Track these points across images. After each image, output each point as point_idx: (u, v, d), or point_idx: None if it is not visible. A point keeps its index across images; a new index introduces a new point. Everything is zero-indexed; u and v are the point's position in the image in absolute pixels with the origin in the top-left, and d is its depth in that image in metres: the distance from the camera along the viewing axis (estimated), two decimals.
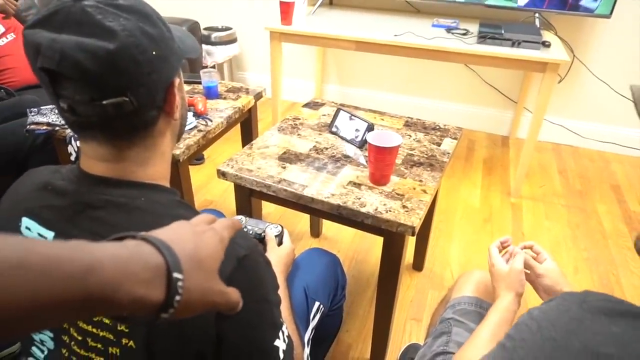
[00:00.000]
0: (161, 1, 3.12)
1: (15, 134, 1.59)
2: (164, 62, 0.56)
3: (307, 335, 0.94)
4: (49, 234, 0.58)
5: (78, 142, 1.47)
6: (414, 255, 1.76)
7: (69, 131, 1.47)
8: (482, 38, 2.03)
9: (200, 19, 2.87)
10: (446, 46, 2.01)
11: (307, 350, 0.91)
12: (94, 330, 0.58)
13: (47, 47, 0.49)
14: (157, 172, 0.62)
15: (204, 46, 2.89)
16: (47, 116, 1.50)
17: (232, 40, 2.97)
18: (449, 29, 2.22)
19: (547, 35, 2.16)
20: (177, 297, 0.38)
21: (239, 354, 0.56)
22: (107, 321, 0.57)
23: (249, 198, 1.28)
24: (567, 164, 2.55)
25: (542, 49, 1.98)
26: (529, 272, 0.90)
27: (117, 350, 0.57)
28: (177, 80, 0.60)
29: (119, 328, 0.56)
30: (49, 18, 0.50)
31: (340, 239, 1.91)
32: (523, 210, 2.15)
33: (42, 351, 0.65)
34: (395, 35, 2.09)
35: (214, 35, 2.89)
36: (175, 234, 0.44)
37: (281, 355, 0.59)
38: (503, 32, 2.02)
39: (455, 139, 1.42)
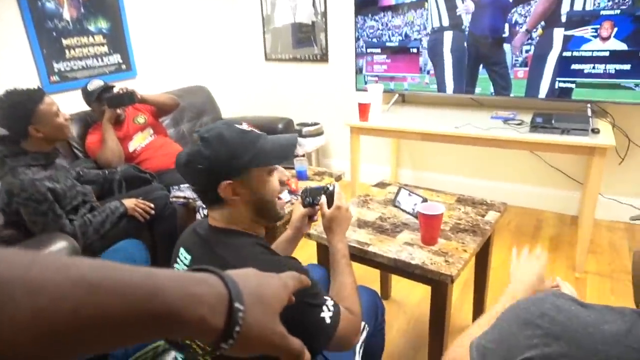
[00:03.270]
0: (263, 104, 3.87)
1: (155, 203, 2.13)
2: (212, 170, 0.96)
3: (358, 347, 1.24)
4: (189, 257, 1.01)
5: (204, 212, 1.97)
6: (472, 316, 1.96)
7: (198, 203, 1.99)
8: (534, 127, 2.32)
9: (294, 116, 3.49)
10: (500, 135, 2.33)
11: (357, 358, 1.22)
12: None
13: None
14: (245, 225, 1.02)
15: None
16: (184, 192, 2.05)
17: (319, 133, 3.54)
18: (505, 120, 2.55)
19: (599, 123, 2.39)
20: (237, 328, 0.41)
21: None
22: None
23: (327, 254, 1.65)
24: None
25: (591, 135, 2.22)
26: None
27: None
28: (234, 181, 0.97)
29: None
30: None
31: (407, 301, 2.16)
32: (587, 284, 2.25)
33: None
34: (456, 127, 2.46)
35: (305, 129, 3.47)
36: (242, 273, 0.47)
37: (327, 321, 0.91)
38: (553, 121, 2.30)
39: (498, 212, 1.70)
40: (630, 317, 0.64)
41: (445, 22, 2.71)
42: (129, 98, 2.46)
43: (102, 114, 2.46)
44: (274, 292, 0.49)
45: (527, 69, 2.58)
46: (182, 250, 1.04)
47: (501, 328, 0.73)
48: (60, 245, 1.63)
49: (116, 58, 2.99)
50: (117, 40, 2.97)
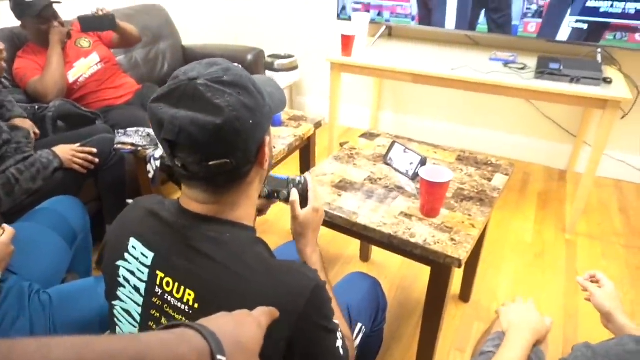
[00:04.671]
0: (230, 30, 3.39)
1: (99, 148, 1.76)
2: (259, 127, 0.67)
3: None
4: (150, 254, 0.71)
5: (157, 162, 1.64)
6: (461, 285, 1.78)
7: (149, 151, 1.65)
8: (540, 74, 2.05)
9: (265, 47, 3.06)
10: (503, 81, 2.05)
11: None
12: None
13: (169, 122, 0.61)
14: (243, 213, 0.73)
15: (267, 72, 3.08)
16: (132, 137, 1.69)
17: (294, 68, 3.15)
18: (506, 63, 2.25)
19: (609, 71, 2.14)
20: None
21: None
22: None
23: None
24: (629, 202, 2.46)
25: (603, 85, 1.97)
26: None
27: None
28: (267, 139, 0.71)
29: None
30: (169, 94, 0.63)
31: (388, 265, 1.97)
32: (578, 247, 2.11)
33: None
34: (452, 69, 2.15)
35: (277, 62, 3.07)
36: (216, 320, 0.49)
37: (341, 352, 0.71)
38: (562, 67, 2.03)
39: (506, 174, 1.46)
40: None
41: None
42: (109, 23, 2.08)
43: (38, 32, 2.00)
44: (251, 335, 0.50)
45: (540, 20, 2.25)
46: (134, 242, 0.73)
47: None
48: None
49: None
50: None
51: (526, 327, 0.94)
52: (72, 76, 2.11)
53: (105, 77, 2.24)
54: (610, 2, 2.09)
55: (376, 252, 2.01)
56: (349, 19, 2.64)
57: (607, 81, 1.99)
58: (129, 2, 2.80)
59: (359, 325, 1.05)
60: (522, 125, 2.79)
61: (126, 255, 0.73)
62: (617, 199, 2.49)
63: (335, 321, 0.72)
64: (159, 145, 1.65)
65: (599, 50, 2.22)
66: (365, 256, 1.98)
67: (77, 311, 1.09)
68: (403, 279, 1.90)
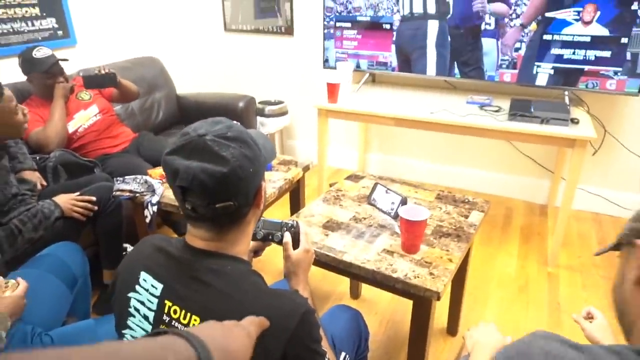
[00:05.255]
0: (222, 80, 3.56)
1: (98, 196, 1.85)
2: (257, 174, 0.79)
3: None
4: (159, 286, 0.79)
5: (154, 208, 1.73)
6: (448, 319, 1.84)
7: (146, 197, 1.74)
8: (513, 115, 2.20)
9: (256, 94, 3.22)
10: (478, 123, 2.19)
11: None
12: None
13: (183, 171, 0.72)
14: (241, 248, 0.83)
15: (258, 118, 3.22)
16: (129, 184, 1.78)
17: (283, 113, 3.30)
18: (482, 106, 2.41)
19: (577, 112, 2.30)
20: None
21: None
22: None
23: None
24: (607, 234, 2.57)
25: (571, 125, 2.12)
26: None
27: None
28: (263, 184, 0.83)
29: None
30: (182, 148, 0.74)
31: (378, 300, 2.03)
32: (560, 280, 2.19)
33: None
34: (431, 113, 2.30)
35: (268, 108, 3.22)
36: (206, 328, 0.49)
37: None
38: (532, 109, 2.18)
39: (482, 211, 1.56)
40: (627, 357, 0.56)
41: (431, 9, 2.50)
42: (110, 80, 2.22)
43: (44, 87, 2.13)
44: (240, 344, 0.50)
45: (516, 71, 2.44)
46: (144, 275, 0.81)
47: None
48: None
49: (50, 22, 2.60)
50: (51, 1, 2.58)
51: (487, 345, 1.01)
52: (71, 127, 2.22)
53: (103, 128, 2.35)
54: (572, 50, 2.28)
55: (366, 288, 2.07)
56: (335, 67, 2.82)
57: (574, 122, 2.14)
58: (125, 55, 2.97)
59: (343, 354, 1.11)
60: (502, 163, 2.93)
61: (137, 287, 0.81)
62: (596, 232, 2.60)
63: (324, 348, 0.79)
64: (155, 192, 1.74)
65: (566, 92, 2.39)
66: (355, 293, 2.04)
67: None
68: (392, 313, 1.96)
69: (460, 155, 3.02)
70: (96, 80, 2.20)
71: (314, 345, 0.77)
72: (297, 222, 1.03)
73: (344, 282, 2.10)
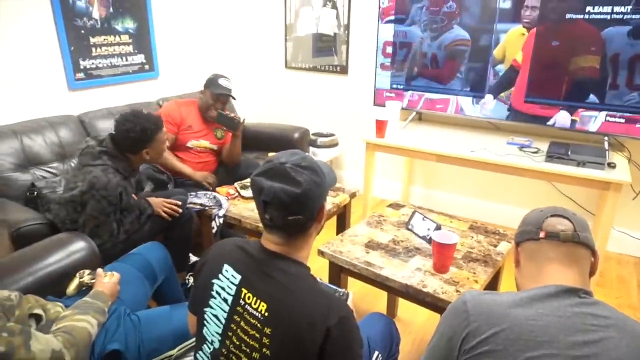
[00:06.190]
0: (281, 112, 3.90)
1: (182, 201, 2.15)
2: (321, 196, 1.02)
3: None
4: (238, 276, 1.03)
5: (221, 220, 2.00)
6: None
7: (214, 210, 2.02)
8: (550, 157, 2.33)
9: (310, 126, 3.51)
10: (515, 163, 2.34)
11: None
12: (247, 339, 0.99)
13: (267, 190, 0.96)
14: (304, 254, 1.06)
15: (310, 148, 3.50)
16: (200, 199, 2.08)
17: (334, 144, 3.56)
18: (521, 147, 2.55)
19: (616, 157, 2.39)
20: None
21: None
22: (256, 334, 0.97)
23: (339, 273, 1.68)
24: None
25: (607, 169, 2.22)
26: None
27: (258, 355, 0.97)
28: (325, 204, 1.06)
29: (263, 341, 0.96)
30: (267, 172, 0.98)
31: (413, 320, 2.18)
32: None
33: (210, 348, 1.07)
34: (472, 151, 2.48)
35: (320, 140, 3.50)
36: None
37: None
38: (570, 152, 2.31)
39: (510, 242, 1.71)
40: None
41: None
42: (234, 125, 2.54)
43: (205, 104, 2.55)
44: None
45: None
46: (227, 267, 1.05)
47: (436, 331, 1.00)
48: (78, 245, 1.67)
49: (140, 58, 3.04)
50: (142, 40, 3.02)
51: None
52: (191, 143, 2.57)
53: (204, 159, 2.64)
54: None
55: (402, 309, 2.23)
56: (384, 105, 3.06)
57: (611, 166, 2.25)
58: (199, 87, 3.35)
59: (376, 353, 1.30)
60: (542, 202, 2.99)
61: (220, 275, 1.05)
62: (636, 276, 2.62)
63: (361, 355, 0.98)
64: (222, 206, 2.02)
65: (606, 137, 2.49)
66: (391, 312, 2.20)
67: (157, 329, 1.41)
68: (425, 334, 2.10)
69: (502, 194, 3.13)
70: (226, 120, 2.52)
71: (352, 344, 0.95)
72: (347, 292, 1.27)
73: (382, 301, 2.27)
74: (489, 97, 2.73)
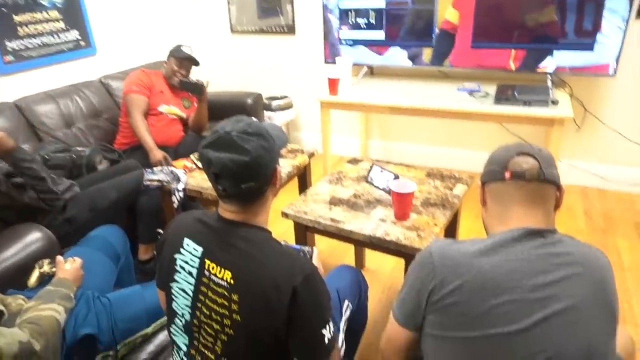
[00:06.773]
0: (231, 78, 3.80)
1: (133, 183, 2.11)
2: (272, 160, 1.01)
3: (342, 325, 1.31)
4: (199, 249, 1.03)
5: (181, 194, 1.98)
6: None
7: (173, 186, 1.99)
8: (498, 100, 2.41)
9: (263, 91, 3.46)
10: (466, 108, 2.41)
11: (341, 335, 1.29)
12: (216, 307, 1.00)
13: (216, 161, 0.95)
14: (262, 219, 1.07)
15: (265, 112, 3.46)
16: (157, 175, 2.03)
17: (289, 107, 3.53)
18: (471, 92, 2.62)
19: (559, 94, 2.50)
20: None
21: (300, 334, 0.97)
22: (225, 302, 0.98)
23: (304, 233, 1.71)
24: (593, 205, 2.78)
25: (551, 106, 2.33)
26: None
27: (229, 322, 0.99)
28: (278, 167, 1.05)
29: (232, 307, 0.97)
30: (213, 143, 0.96)
31: (381, 270, 2.27)
32: None
33: (181, 321, 1.08)
34: (424, 101, 2.52)
35: (274, 103, 3.46)
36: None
37: (326, 341, 0.98)
38: (516, 93, 2.39)
39: (466, 185, 1.79)
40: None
41: None
42: (199, 89, 2.54)
43: (170, 71, 2.60)
44: None
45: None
46: (187, 241, 1.04)
47: (405, 282, 1.02)
48: (34, 236, 1.61)
49: (74, 34, 2.86)
50: (73, 15, 2.83)
51: None
52: (162, 108, 2.61)
53: (171, 125, 2.66)
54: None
55: (369, 260, 2.31)
56: (334, 62, 3.04)
57: (554, 103, 2.35)
58: (139, 61, 3.20)
59: (346, 302, 1.35)
60: (494, 144, 3.08)
61: (181, 250, 1.05)
62: (582, 204, 2.81)
63: (330, 324, 0.99)
64: (180, 180, 1.99)
65: (549, 76, 2.59)
66: (360, 264, 2.28)
67: (130, 309, 1.40)
68: (394, 281, 2.20)
69: (456, 139, 3.23)
70: (187, 85, 2.54)
71: (319, 303, 0.97)
72: (312, 249, 1.29)
73: (349, 254, 2.34)
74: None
